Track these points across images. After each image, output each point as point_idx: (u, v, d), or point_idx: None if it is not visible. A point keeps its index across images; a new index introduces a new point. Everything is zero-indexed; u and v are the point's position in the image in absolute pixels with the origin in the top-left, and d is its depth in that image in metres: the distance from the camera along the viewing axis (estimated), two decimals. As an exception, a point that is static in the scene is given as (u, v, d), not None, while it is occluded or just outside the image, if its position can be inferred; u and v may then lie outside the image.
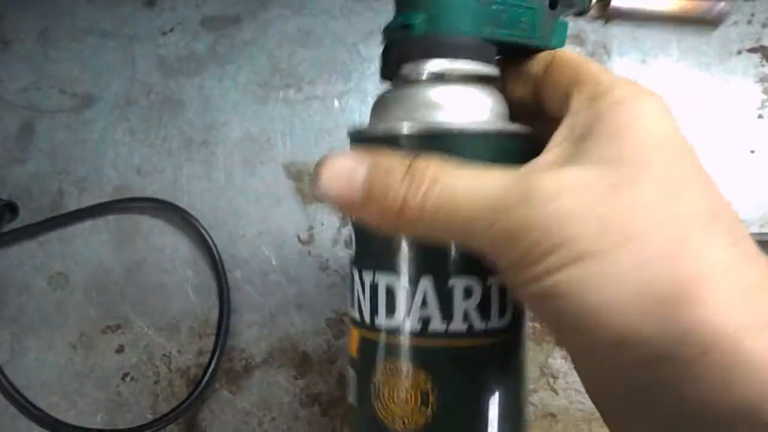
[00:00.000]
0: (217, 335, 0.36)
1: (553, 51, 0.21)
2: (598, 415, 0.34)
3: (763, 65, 0.40)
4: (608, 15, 0.24)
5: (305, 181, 0.39)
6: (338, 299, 0.37)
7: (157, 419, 0.34)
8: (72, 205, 0.39)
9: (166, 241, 0.38)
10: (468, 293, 0.20)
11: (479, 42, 0.20)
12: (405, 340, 0.20)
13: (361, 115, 0.40)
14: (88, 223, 0.39)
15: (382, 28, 0.22)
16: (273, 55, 0.42)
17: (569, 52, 0.21)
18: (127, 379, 0.36)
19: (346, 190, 0.18)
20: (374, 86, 0.41)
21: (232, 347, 0.36)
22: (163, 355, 0.37)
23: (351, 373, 0.22)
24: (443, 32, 0.20)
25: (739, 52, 0.40)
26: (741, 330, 0.14)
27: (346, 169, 0.18)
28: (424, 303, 0.20)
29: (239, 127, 0.40)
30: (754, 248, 0.16)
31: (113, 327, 0.37)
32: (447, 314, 0.20)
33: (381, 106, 0.21)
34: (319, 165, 0.19)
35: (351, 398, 0.22)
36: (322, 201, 0.20)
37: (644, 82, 0.18)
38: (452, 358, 0.20)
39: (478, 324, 0.20)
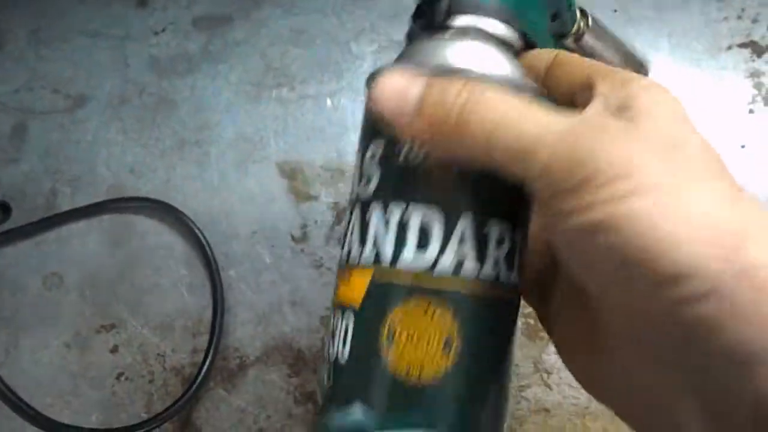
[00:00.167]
0: (212, 334, 0.36)
1: (553, 50, 0.22)
2: (591, 409, 0.34)
3: (753, 60, 0.40)
4: (581, 47, 0.26)
5: (298, 180, 0.39)
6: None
7: (152, 418, 0.34)
8: (66, 205, 0.39)
9: (159, 240, 0.39)
10: (500, 241, 0.19)
11: (508, 11, 0.21)
12: (435, 280, 0.19)
13: (353, 112, 0.40)
14: (82, 223, 0.39)
15: None
16: (265, 55, 0.42)
17: (570, 53, 0.22)
18: (122, 378, 0.36)
19: (399, 102, 0.18)
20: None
21: (227, 346, 0.37)
22: (158, 354, 0.37)
23: (344, 322, 0.20)
24: None
25: (730, 48, 0.40)
26: None
27: (401, 83, 0.19)
28: (461, 242, 0.19)
29: (232, 127, 0.40)
30: None
31: (108, 326, 0.37)
32: (480, 258, 0.19)
33: (406, 56, 0.21)
34: (373, 79, 0.19)
35: (338, 351, 0.20)
36: (373, 115, 0.20)
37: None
38: (479, 305, 0.19)
39: (504, 275, 0.20)
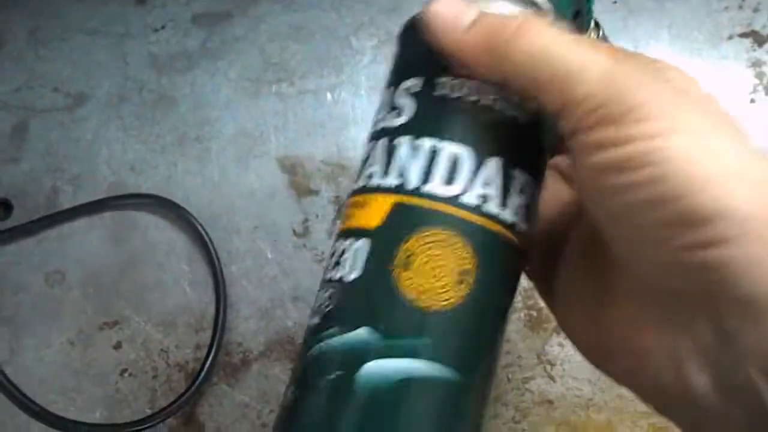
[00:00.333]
0: (214, 329, 0.36)
1: None
2: (595, 401, 0.34)
3: (754, 50, 0.40)
4: None
5: (299, 175, 0.39)
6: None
7: (155, 413, 0.34)
8: (67, 203, 0.39)
9: (161, 237, 0.39)
10: (522, 191, 0.20)
11: None
12: (459, 212, 0.19)
13: (353, 107, 0.40)
14: (83, 221, 0.39)
15: None
16: (264, 50, 0.42)
17: None
18: (126, 374, 0.36)
19: (454, 18, 0.19)
20: (366, 78, 0.41)
21: (230, 341, 0.37)
22: (161, 350, 0.37)
23: (356, 245, 0.20)
24: None
25: (731, 37, 0.40)
26: None
27: (457, 4, 0.19)
28: (487, 181, 0.19)
29: (232, 123, 0.40)
30: None
31: (110, 323, 0.37)
32: (503, 201, 0.19)
33: None
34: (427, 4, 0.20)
35: (345, 275, 0.20)
36: (426, 38, 0.20)
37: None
38: (497, 244, 0.19)
39: (521, 223, 0.20)
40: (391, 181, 0.20)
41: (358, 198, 0.21)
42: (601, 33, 0.26)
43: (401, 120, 0.20)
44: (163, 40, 0.42)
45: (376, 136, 0.21)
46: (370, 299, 0.19)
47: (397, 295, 0.18)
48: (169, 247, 0.38)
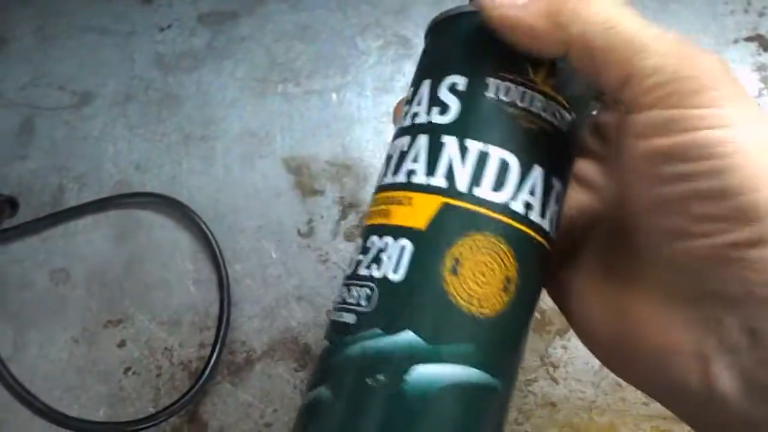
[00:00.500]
0: (218, 328, 0.36)
1: None
2: (598, 403, 0.34)
3: (760, 54, 0.40)
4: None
5: (304, 175, 0.39)
6: (338, 291, 0.37)
7: (159, 412, 0.34)
8: (72, 201, 0.39)
9: (166, 235, 0.39)
10: (558, 198, 0.20)
11: None
12: (507, 219, 0.19)
13: (359, 107, 0.40)
14: (88, 219, 0.39)
15: None
16: (270, 50, 0.42)
17: None
18: (129, 373, 0.37)
19: None
20: (372, 79, 0.41)
21: (233, 340, 0.37)
22: (165, 348, 0.37)
23: (399, 244, 0.19)
24: None
25: (736, 41, 0.40)
26: None
27: None
28: (532, 190, 0.20)
29: (238, 122, 0.40)
30: None
31: (115, 322, 0.37)
32: (543, 209, 0.20)
33: None
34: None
35: (389, 275, 0.19)
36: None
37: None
38: (536, 252, 0.20)
39: (552, 231, 0.20)
40: (438, 181, 0.19)
41: (398, 194, 0.20)
42: None
43: (447, 118, 0.20)
44: (170, 39, 0.42)
45: (414, 129, 0.21)
46: (417, 302, 0.19)
47: (445, 300, 0.18)
48: (173, 245, 0.38)
